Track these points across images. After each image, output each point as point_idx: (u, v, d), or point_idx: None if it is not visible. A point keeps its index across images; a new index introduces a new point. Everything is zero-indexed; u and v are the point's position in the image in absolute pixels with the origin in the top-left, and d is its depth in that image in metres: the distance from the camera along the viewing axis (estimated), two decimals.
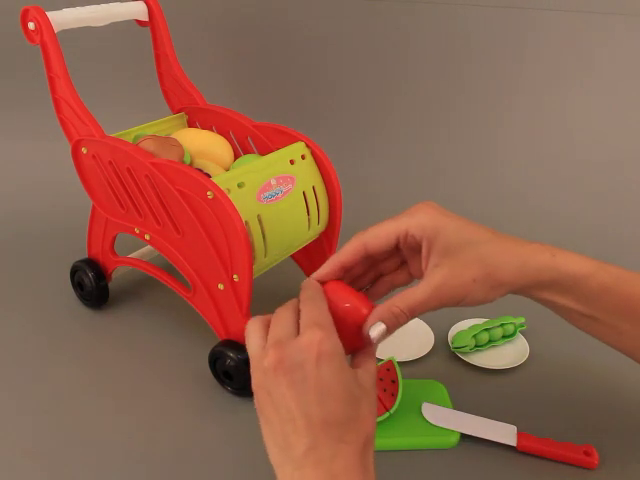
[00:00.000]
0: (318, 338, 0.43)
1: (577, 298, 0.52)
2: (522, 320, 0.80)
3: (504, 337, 0.79)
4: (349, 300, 0.50)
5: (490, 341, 0.78)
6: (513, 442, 0.63)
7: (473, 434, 0.64)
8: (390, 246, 0.52)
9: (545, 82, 1.17)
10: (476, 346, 0.77)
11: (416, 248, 0.51)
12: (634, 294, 0.52)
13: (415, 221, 0.51)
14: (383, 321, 0.49)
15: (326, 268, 0.52)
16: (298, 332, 0.45)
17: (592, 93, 1.16)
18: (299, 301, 0.48)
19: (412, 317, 0.50)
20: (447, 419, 0.65)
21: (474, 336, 0.77)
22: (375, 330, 0.49)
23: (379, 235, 0.52)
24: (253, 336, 0.47)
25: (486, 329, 0.78)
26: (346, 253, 0.52)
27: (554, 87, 1.17)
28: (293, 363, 0.43)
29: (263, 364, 0.44)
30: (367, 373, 0.47)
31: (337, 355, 0.44)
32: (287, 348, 0.43)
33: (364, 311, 0.50)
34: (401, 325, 0.50)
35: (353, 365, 0.49)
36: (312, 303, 0.48)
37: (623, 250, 1.03)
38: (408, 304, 0.49)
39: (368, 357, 0.50)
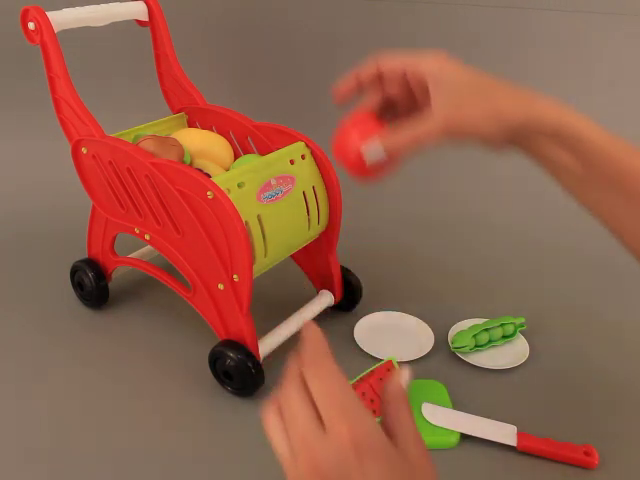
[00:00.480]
0: (346, 430, 0.36)
1: (577, 156, 0.50)
2: (522, 320, 0.80)
3: (504, 337, 0.79)
4: (363, 124, 0.53)
5: (490, 341, 0.78)
6: (513, 442, 0.63)
7: (473, 434, 0.64)
8: (399, 71, 0.53)
9: (545, 82, 1.17)
10: (476, 346, 0.77)
11: (425, 88, 0.52)
12: (636, 167, 0.49)
13: (424, 58, 0.52)
14: (383, 144, 0.50)
15: (348, 82, 0.56)
16: (319, 417, 0.38)
17: (593, 93, 1.16)
18: (302, 365, 0.43)
19: (416, 147, 0.50)
20: (447, 419, 0.65)
21: (474, 336, 0.77)
22: (369, 147, 0.50)
23: (392, 57, 0.54)
24: (275, 435, 0.40)
25: (486, 329, 0.78)
26: (363, 70, 0.55)
27: (554, 87, 1.17)
28: (331, 467, 0.36)
29: (298, 471, 0.37)
30: (408, 442, 0.39)
31: (376, 441, 0.37)
32: (318, 450, 0.37)
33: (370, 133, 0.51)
34: (402, 153, 0.50)
35: (386, 430, 0.40)
36: (319, 371, 0.42)
37: (624, 250, 1.03)
38: (413, 134, 0.49)
39: (399, 414, 0.40)
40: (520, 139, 0.52)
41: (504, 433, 0.64)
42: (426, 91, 0.52)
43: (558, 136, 0.50)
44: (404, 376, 0.43)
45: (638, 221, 0.50)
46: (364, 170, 0.52)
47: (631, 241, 0.53)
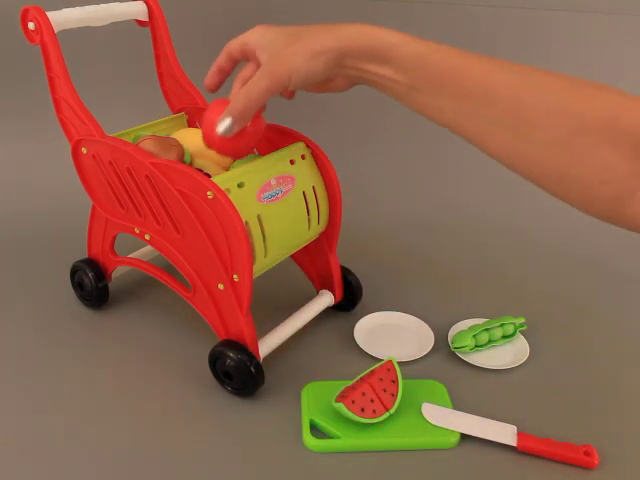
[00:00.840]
0: None
1: (395, 67, 0.53)
2: (522, 320, 0.80)
3: (504, 337, 0.79)
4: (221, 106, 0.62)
5: (490, 341, 0.78)
6: (513, 442, 0.63)
7: (473, 434, 0.64)
8: (239, 51, 0.62)
9: None
10: (476, 346, 0.77)
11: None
12: (453, 65, 0.52)
13: (248, 34, 0.61)
14: (230, 114, 0.59)
15: (211, 75, 0.66)
16: None
17: None
18: None
19: (252, 104, 0.58)
20: (447, 419, 0.65)
21: (474, 336, 0.77)
22: (221, 125, 0.59)
23: (232, 45, 0.62)
24: None
25: (486, 329, 0.78)
26: (219, 59, 0.65)
27: None
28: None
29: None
30: None
31: None
32: None
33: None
34: (248, 113, 0.59)
35: None
36: None
37: (624, 250, 1.03)
38: (247, 93, 0.57)
39: None
40: (343, 69, 0.56)
41: (504, 433, 0.64)
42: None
43: (372, 53, 0.53)
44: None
45: (475, 120, 0.53)
46: (224, 144, 0.62)
47: (479, 141, 0.56)
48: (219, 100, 0.65)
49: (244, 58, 0.63)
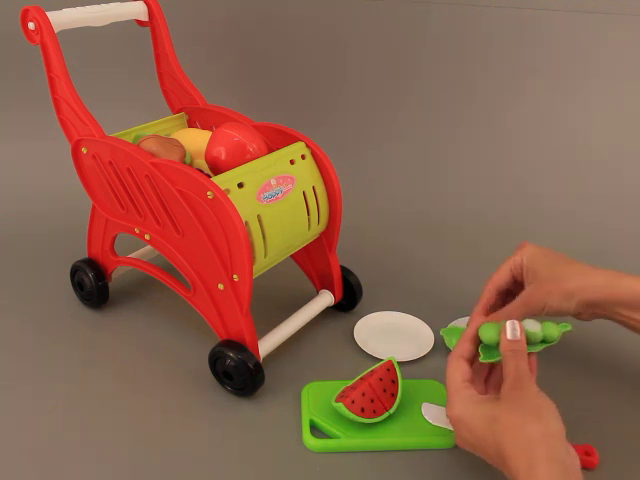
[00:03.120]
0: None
1: None
2: (568, 327, 0.79)
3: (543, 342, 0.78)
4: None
5: None
6: None
7: None
8: (509, 278, 0.68)
9: (546, 82, 1.17)
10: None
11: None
12: None
13: (518, 255, 0.68)
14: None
15: (474, 312, 0.69)
16: None
17: (593, 93, 1.16)
18: None
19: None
20: (447, 419, 0.65)
21: None
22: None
23: (500, 274, 0.69)
24: None
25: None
26: (485, 295, 0.69)
27: (555, 87, 1.17)
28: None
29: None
30: (512, 393, 0.54)
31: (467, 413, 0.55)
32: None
33: (249, 149, 0.71)
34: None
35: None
36: None
37: (624, 249, 1.03)
38: (505, 314, 0.64)
39: (506, 369, 0.56)
40: (592, 309, 0.64)
41: None
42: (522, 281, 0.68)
43: (625, 302, 0.62)
44: (514, 329, 0.58)
45: None
46: (227, 167, 0.70)
47: None
48: (224, 130, 0.72)
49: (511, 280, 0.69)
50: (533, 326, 0.61)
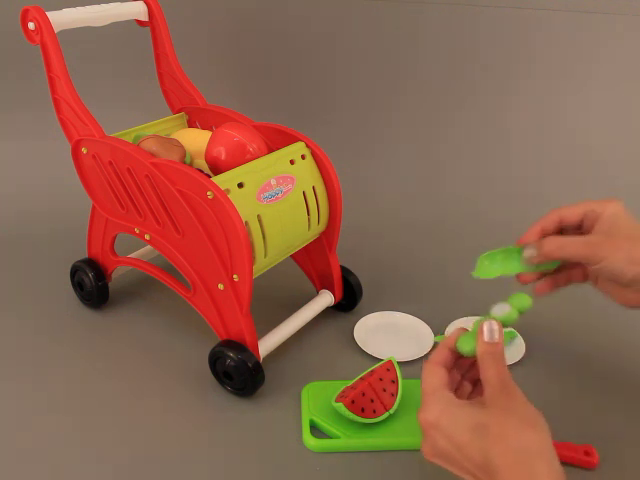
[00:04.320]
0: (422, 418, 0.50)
1: None
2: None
3: None
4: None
5: None
6: None
7: None
8: (580, 215, 0.62)
9: (546, 82, 1.17)
10: None
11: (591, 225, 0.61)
12: None
13: (601, 203, 0.61)
14: (538, 250, 0.60)
15: (528, 233, 0.63)
16: None
17: (593, 93, 1.16)
18: None
19: (560, 253, 0.59)
20: None
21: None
22: (527, 252, 0.61)
23: (572, 207, 0.62)
24: None
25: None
26: (546, 220, 0.63)
27: (555, 87, 1.17)
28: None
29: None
30: (494, 395, 0.49)
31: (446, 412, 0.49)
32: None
33: (249, 149, 0.71)
34: (547, 254, 0.60)
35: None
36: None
37: None
38: (561, 240, 0.60)
39: (485, 373, 0.51)
40: None
41: None
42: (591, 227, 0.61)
43: None
44: (491, 330, 0.52)
45: None
46: (227, 167, 0.70)
47: None
48: (224, 130, 0.72)
49: (575, 223, 0.63)
50: (503, 310, 0.56)
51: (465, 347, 0.53)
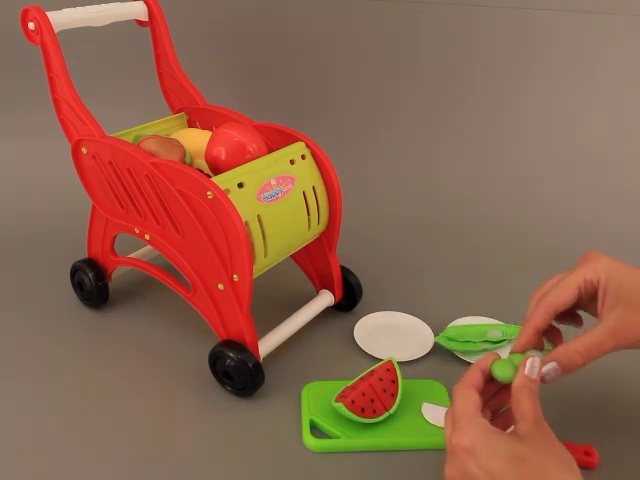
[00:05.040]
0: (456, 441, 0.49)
1: None
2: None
3: (492, 342, 0.78)
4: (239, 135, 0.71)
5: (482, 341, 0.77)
6: None
7: None
8: (575, 298, 0.55)
9: (546, 82, 1.17)
10: (468, 341, 0.77)
11: (593, 294, 0.55)
12: None
13: (590, 268, 0.54)
14: (557, 361, 0.52)
15: (523, 339, 0.56)
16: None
17: (593, 93, 1.16)
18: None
19: (588, 360, 0.52)
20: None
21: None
22: (546, 367, 0.52)
23: (564, 292, 0.55)
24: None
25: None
26: (538, 318, 0.56)
27: (555, 87, 1.17)
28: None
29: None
30: (528, 431, 0.48)
31: (485, 441, 0.47)
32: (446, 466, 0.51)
33: (249, 149, 0.71)
34: (576, 367, 0.53)
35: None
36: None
37: (624, 250, 1.03)
38: (585, 345, 0.52)
39: (519, 406, 0.49)
40: None
41: None
42: (592, 296, 0.55)
43: None
44: (533, 366, 0.50)
45: None
46: (226, 167, 0.70)
47: None
48: (224, 130, 0.72)
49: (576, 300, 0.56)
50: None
51: (500, 373, 0.53)
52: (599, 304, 0.54)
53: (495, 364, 0.54)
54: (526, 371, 0.50)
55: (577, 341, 0.52)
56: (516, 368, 0.53)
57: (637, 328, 0.52)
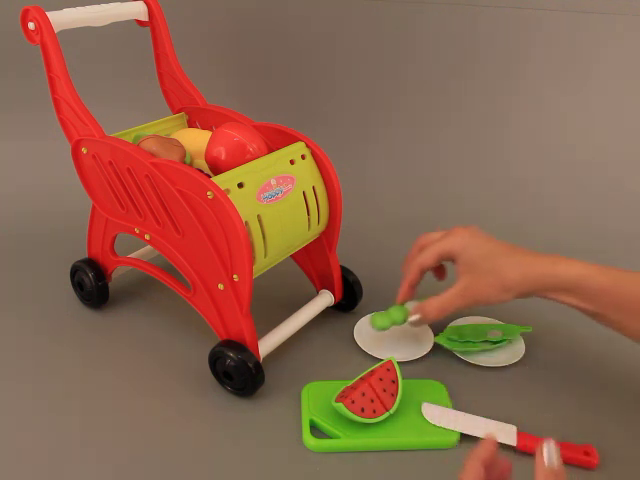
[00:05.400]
0: None
1: (580, 298, 0.63)
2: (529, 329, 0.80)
3: (492, 342, 0.78)
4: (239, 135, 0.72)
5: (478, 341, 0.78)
6: (513, 442, 0.63)
7: (473, 434, 0.64)
8: (436, 263, 0.71)
9: (546, 82, 1.17)
10: (468, 341, 0.77)
11: (452, 258, 0.70)
12: (632, 293, 0.61)
13: (450, 241, 0.69)
14: (419, 313, 0.70)
15: (401, 292, 0.74)
16: None
17: (592, 93, 1.16)
18: None
19: (443, 313, 0.68)
20: (447, 419, 0.65)
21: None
22: (412, 318, 0.71)
23: (429, 258, 0.70)
24: None
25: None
26: (411, 275, 0.72)
27: (555, 87, 1.17)
28: None
29: None
30: None
31: None
32: None
33: (249, 149, 0.71)
34: (432, 320, 0.70)
35: None
36: None
37: (623, 251, 1.03)
38: (440, 302, 0.68)
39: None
40: (527, 295, 0.65)
41: (504, 433, 0.64)
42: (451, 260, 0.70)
43: (559, 288, 0.63)
44: (550, 455, 0.47)
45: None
46: (227, 167, 0.71)
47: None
48: (224, 130, 0.73)
49: (438, 263, 0.72)
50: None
51: (378, 323, 0.74)
52: (455, 269, 0.68)
53: (374, 316, 0.74)
54: (545, 461, 0.45)
55: (434, 299, 0.68)
56: (391, 318, 0.73)
57: (482, 290, 0.65)
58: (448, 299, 0.67)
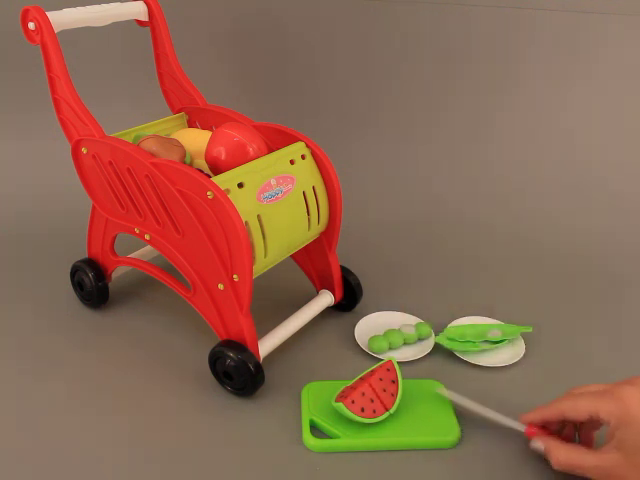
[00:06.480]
0: None
1: None
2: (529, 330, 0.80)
3: (491, 342, 0.78)
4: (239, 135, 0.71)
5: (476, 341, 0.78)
6: (522, 428, 0.62)
7: (486, 414, 0.64)
8: (583, 420, 0.59)
9: (543, 82, 1.17)
10: (468, 341, 0.77)
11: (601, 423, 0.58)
12: None
13: (607, 408, 0.56)
14: (546, 449, 0.60)
15: (531, 416, 0.62)
16: None
17: (592, 93, 1.16)
18: None
19: (563, 469, 0.58)
20: (463, 400, 0.66)
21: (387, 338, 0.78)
22: (535, 444, 0.61)
23: (577, 410, 0.58)
24: None
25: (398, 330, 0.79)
26: (548, 414, 0.61)
27: (552, 87, 1.17)
28: None
29: None
30: None
31: None
32: None
33: (249, 149, 0.71)
34: (554, 464, 0.58)
35: None
36: None
37: (623, 251, 1.03)
38: (571, 459, 0.57)
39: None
40: None
41: (512, 422, 0.63)
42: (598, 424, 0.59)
43: None
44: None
45: None
46: (227, 167, 0.70)
47: None
48: (224, 130, 0.72)
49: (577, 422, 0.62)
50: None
51: (375, 347, 0.76)
52: (606, 436, 0.56)
53: (371, 339, 0.78)
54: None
55: (570, 450, 0.58)
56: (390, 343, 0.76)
57: (624, 472, 0.54)
58: (583, 460, 0.57)
